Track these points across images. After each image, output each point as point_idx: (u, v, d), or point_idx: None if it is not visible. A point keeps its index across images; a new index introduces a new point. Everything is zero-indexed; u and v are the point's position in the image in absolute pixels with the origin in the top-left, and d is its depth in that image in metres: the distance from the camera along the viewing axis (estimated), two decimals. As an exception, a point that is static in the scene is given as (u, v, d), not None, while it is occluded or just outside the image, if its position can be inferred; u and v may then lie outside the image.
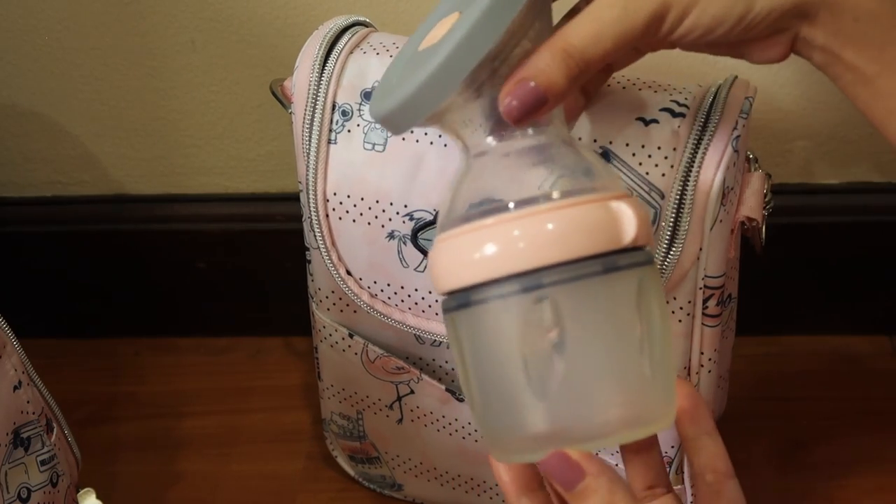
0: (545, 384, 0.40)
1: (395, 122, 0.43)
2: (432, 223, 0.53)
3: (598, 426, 0.41)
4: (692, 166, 0.49)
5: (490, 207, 0.41)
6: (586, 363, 0.41)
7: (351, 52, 0.55)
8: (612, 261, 0.40)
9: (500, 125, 0.42)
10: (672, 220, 0.50)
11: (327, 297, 0.60)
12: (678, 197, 0.49)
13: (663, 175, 0.50)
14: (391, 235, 0.54)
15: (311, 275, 0.60)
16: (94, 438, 0.73)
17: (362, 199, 0.54)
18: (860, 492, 0.68)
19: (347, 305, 0.59)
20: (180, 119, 0.76)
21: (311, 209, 0.55)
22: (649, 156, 0.50)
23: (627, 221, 0.40)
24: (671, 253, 0.50)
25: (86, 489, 0.61)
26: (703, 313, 0.53)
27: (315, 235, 0.56)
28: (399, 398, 0.62)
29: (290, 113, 0.56)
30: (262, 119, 0.75)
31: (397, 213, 0.53)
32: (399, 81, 0.44)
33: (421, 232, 0.53)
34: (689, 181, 0.49)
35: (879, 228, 0.75)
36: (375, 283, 0.56)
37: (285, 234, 0.74)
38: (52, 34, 0.73)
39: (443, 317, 0.43)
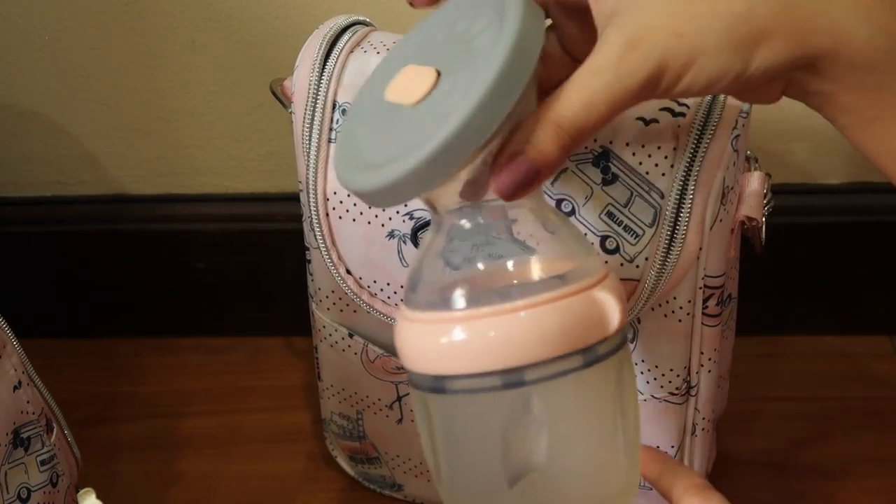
0: (519, 475, 0.40)
1: (383, 199, 0.40)
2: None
3: None
4: (692, 166, 0.49)
5: (468, 286, 0.40)
6: (564, 456, 0.41)
7: (351, 52, 0.55)
8: (594, 352, 0.39)
9: (476, 191, 0.41)
10: (672, 219, 0.50)
11: (327, 297, 0.60)
12: (678, 196, 0.49)
13: (663, 175, 0.50)
14: (391, 234, 0.54)
15: (311, 274, 0.60)
16: (94, 438, 0.73)
17: (362, 198, 0.54)
18: (860, 492, 0.68)
19: (347, 305, 0.59)
20: (180, 119, 0.76)
21: (312, 208, 0.55)
22: (649, 155, 0.50)
23: (611, 311, 0.40)
24: (671, 253, 0.50)
25: (86, 489, 0.61)
26: (703, 313, 0.53)
27: (315, 235, 0.56)
28: (399, 398, 0.62)
29: (291, 112, 0.56)
30: (262, 119, 0.75)
31: (397, 212, 0.53)
32: (379, 141, 0.41)
33: (421, 231, 0.53)
34: (688, 180, 0.49)
35: (879, 228, 0.75)
36: (375, 282, 0.56)
37: (285, 234, 0.74)
38: (52, 34, 0.73)
39: (409, 387, 0.42)
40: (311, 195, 0.55)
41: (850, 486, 0.69)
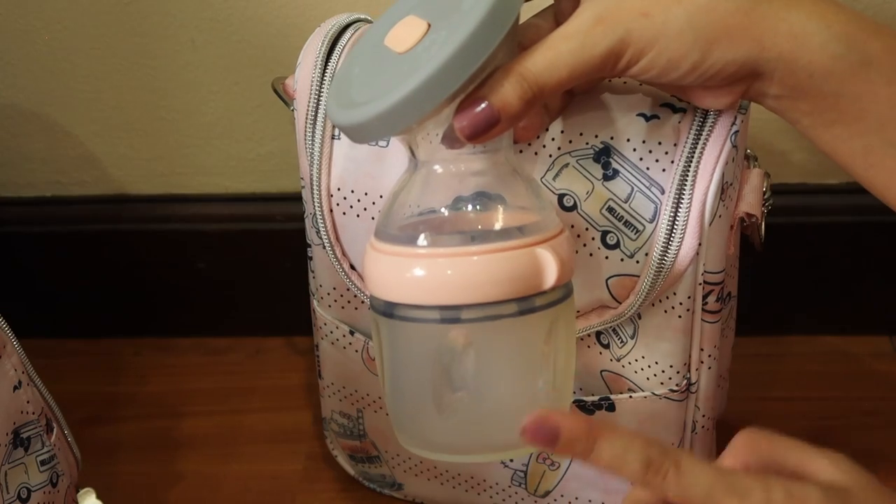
0: (447, 404, 0.45)
1: (358, 135, 0.44)
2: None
3: (489, 445, 0.45)
4: (691, 161, 0.49)
5: (428, 227, 0.44)
6: (488, 391, 0.45)
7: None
8: (530, 303, 0.43)
9: (452, 138, 0.44)
10: (671, 215, 0.50)
11: (329, 294, 0.60)
12: (677, 192, 0.49)
13: (664, 170, 0.50)
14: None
15: (313, 271, 0.60)
16: (94, 438, 0.73)
17: (366, 193, 0.54)
18: (860, 491, 0.68)
19: (349, 302, 0.59)
20: (180, 119, 0.76)
21: (316, 204, 0.55)
22: (650, 151, 0.50)
23: (549, 269, 0.43)
24: (670, 248, 0.50)
25: (86, 489, 0.61)
26: (703, 309, 0.53)
27: (319, 231, 0.56)
28: (399, 397, 0.62)
29: (293, 110, 0.56)
30: (262, 119, 0.75)
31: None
32: (366, 82, 0.44)
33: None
34: (688, 176, 0.49)
35: (879, 228, 0.75)
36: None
37: (285, 233, 0.75)
38: (52, 34, 0.73)
39: (369, 308, 0.46)
40: (314, 191, 0.55)
41: (851, 485, 0.69)
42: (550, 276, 0.43)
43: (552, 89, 0.42)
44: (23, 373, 0.55)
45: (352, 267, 0.56)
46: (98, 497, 0.63)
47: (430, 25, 0.43)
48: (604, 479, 0.61)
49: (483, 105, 0.42)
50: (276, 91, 0.57)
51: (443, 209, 0.45)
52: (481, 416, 0.45)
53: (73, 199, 0.80)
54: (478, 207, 0.45)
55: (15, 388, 0.54)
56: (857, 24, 0.42)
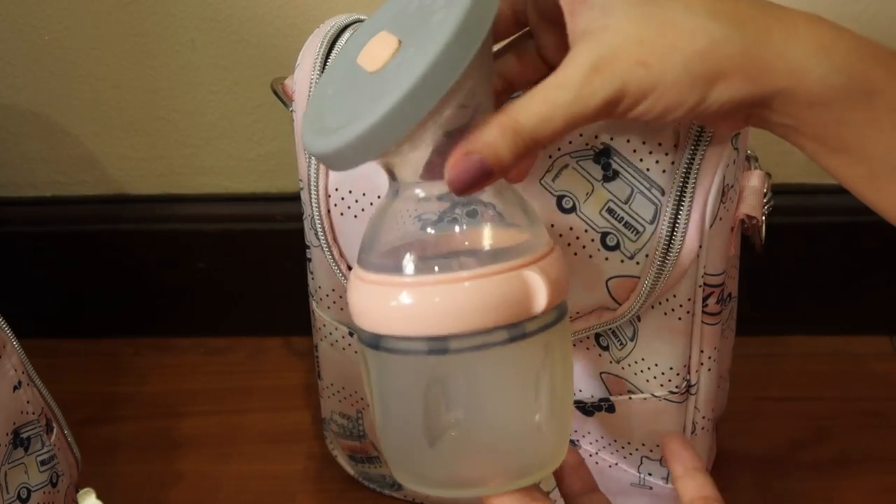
0: (438, 436, 0.43)
1: (332, 163, 0.42)
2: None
3: (483, 478, 0.43)
4: (692, 163, 0.49)
5: (412, 251, 0.42)
6: (482, 422, 0.43)
7: (351, 50, 0.55)
8: (520, 329, 0.41)
9: (434, 173, 0.42)
10: (672, 216, 0.50)
11: (327, 296, 0.60)
12: (678, 194, 0.49)
13: (664, 171, 0.50)
14: (392, 231, 0.54)
15: (312, 273, 0.60)
16: (94, 438, 0.73)
17: (364, 194, 0.54)
18: (860, 492, 0.68)
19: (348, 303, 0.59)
20: (180, 119, 0.76)
21: (314, 206, 0.55)
22: (650, 152, 0.50)
23: (538, 293, 0.41)
24: (671, 250, 0.50)
25: (86, 489, 0.61)
26: (703, 311, 0.53)
27: (316, 232, 0.56)
28: (399, 397, 0.62)
29: (292, 111, 0.56)
30: (262, 119, 0.75)
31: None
32: (339, 105, 0.42)
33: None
34: (689, 178, 0.49)
35: (879, 228, 0.75)
36: (376, 279, 0.56)
37: (285, 234, 0.75)
38: (52, 34, 0.73)
39: (358, 340, 0.44)
40: (312, 192, 0.55)
41: (850, 486, 0.69)
42: (541, 301, 0.41)
43: (548, 141, 0.40)
44: (23, 373, 0.55)
45: (350, 268, 0.56)
46: (98, 497, 0.63)
47: (400, 42, 0.41)
48: (604, 479, 0.61)
49: (475, 159, 0.40)
50: (274, 92, 0.57)
51: (428, 229, 0.43)
52: (476, 449, 0.43)
53: (73, 199, 0.80)
54: (464, 227, 0.43)
55: (15, 388, 0.54)
56: (857, 52, 0.41)
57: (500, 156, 0.40)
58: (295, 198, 0.59)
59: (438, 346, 0.41)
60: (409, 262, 0.42)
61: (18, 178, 0.80)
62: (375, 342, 0.43)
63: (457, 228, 0.43)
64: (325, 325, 0.61)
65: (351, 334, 0.60)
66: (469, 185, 0.40)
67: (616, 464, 0.60)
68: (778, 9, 0.41)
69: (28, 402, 0.55)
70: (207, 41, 0.72)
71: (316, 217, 0.55)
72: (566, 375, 0.45)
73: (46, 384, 0.57)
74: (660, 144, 0.49)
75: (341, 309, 0.60)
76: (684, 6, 0.40)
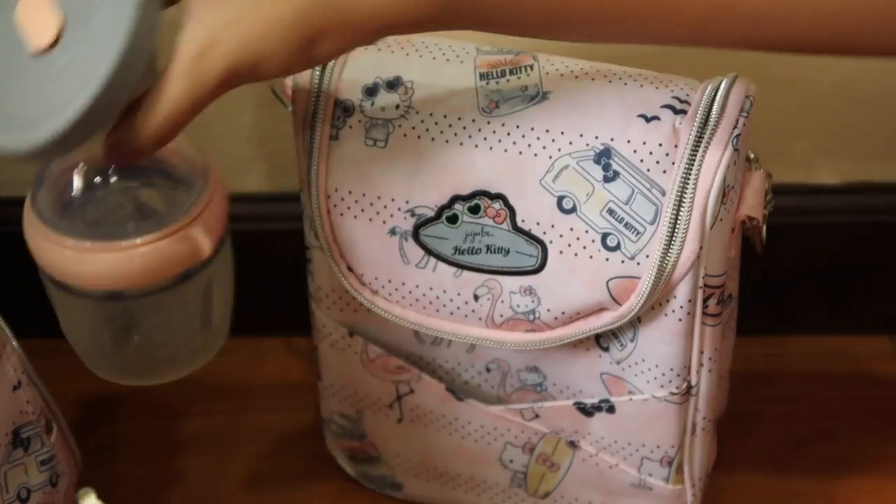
0: (123, 346, 0.54)
1: (51, 152, 0.44)
2: (434, 219, 0.53)
3: (163, 374, 0.55)
4: (693, 164, 0.49)
5: (88, 225, 0.49)
6: (154, 337, 0.53)
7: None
8: (185, 274, 0.50)
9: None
10: (672, 217, 0.50)
11: (327, 297, 0.60)
12: (678, 195, 0.49)
13: (664, 172, 0.50)
14: (392, 231, 0.54)
15: (311, 274, 0.60)
16: (94, 438, 0.73)
17: (364, 195, 0.54)
18: (860, 492, 0.68)
19: (347, 304, 0.59)
20: (180, 119, 0.75)
21: (314, 206, 0.55)
22: (650, 152, 0.50)
23: (203, 246, 0.49)
24: (671, 251, 0.50)
25: (86, 489, 0.61)
26: (704, 312, 0.53)
27: (316, 233, 0.56)
28: (399, 397, 0.62)
29: (291, 111, 0.56)
30: (262, 119, 0.75)
31: (399, 208, 0.53)
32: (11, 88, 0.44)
33: (422, 228, 0.53)
34: (689, 179, 0.49)
35: (879, 228, 0.75)
36: (377, 279, 0.56)
37: (285, 234, 0.74)
38: (52, 34, 0.72)
39: (41, 274, 0.51)
40: (312, 192, 0.55)
41: (850, 486, 0.69)
42: (205, 252, 0.49)
43: (181, 125, 0.44)
44: (23, 373, 0.55)
45: (349, 269, 0.56)
46: (98, 497, 0.63)
47: (64, 23, 0.43)
48: (604, 480, 0.61)
49: (123, 148, 0.44)
50: (274, 92, 0.57)
51: (104, 204, 0.50)
52: (153, 354, 0.54)
53: (73, 198, 0.79)
54: (130, 204, 0.51)
55: (15, 388, 0.54)
56: None
57: (143, 146, 0.43)
58: (295, 198, 0.59)
59: (115, 295, 0.50)
60: (89, 229, 0.48)
61: (18, 178, 0.79)
62: (61, 286, 0.50)
63: (124, 203, 0.50)
64: (325, 326, 0.61)
65: (351, 335, 0.60)
66: (123, 165, 0.47)
67: (616, 464, 0.60)
68: None
69: (28, 402, 0.55)
70: (207, 41, 0.72)
71: (316, 217, 0.55)
72: (226, 293, 0.56)
73: (46, 384, 0.57)
74: (660, 145, 0.49)
75: (341, 310, 0.60)
76: None
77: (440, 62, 0.54)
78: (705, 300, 0.53)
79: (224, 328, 0.57)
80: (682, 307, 0.53)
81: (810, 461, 0.70)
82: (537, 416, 0.60)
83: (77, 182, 0.50)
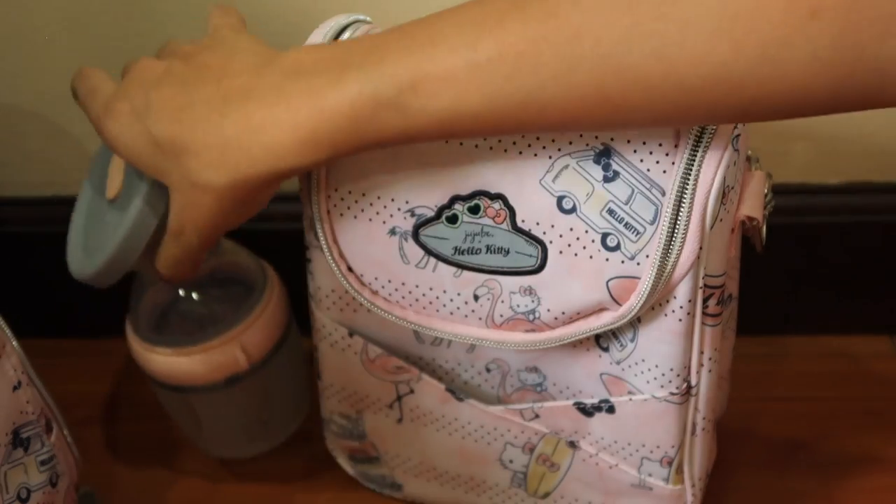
0: (192, 434, 0.72)
1: (102, 281, 0.55)
2: (434, 219, 0.53)
3: (230, 447, 0.74)
4: (693, 164, 0.49)
5: (166, 336, 0.64)
6: (213, 430, 0.70)
7: (351, 50, 0.55)
8: (235, 378, 0.64)
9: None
10: (672, 217, 0.50)
11: (327, 297, 0.60)
12: (678, 195, 0.49)
13: (664, 172, 0.50)
14: (392, 231, 0.54)
15: (311, 274, 0.60)
16: (94, 438, 0.73)
17: (364, 195, 0.54)
18: (860, 492, 0.68)
19: (347, 304, 0.59)
20: (180, 119, 0.75)
21: (313, 206, 0.55)
22: (650, 152, 0.50)
23: (240, 359, 0.63)
24: (671, 251, 0.50)
25: (86, 489, 0.61)
26: (704, 312, 0.53)
27: (316, 233, 0.56)
28: (399, 398, 0.62)
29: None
30: (262, 119, 0.75)
31: (398, 208, 0.53)
32: (89, 229, 0.58)
33: (422, 228, 0.53)
34: (689, 179, 0.49)
35: (879, 228, 0.75)
36: (377, 279, 0.56)
37: (285, 234, 0.74)
38: (51, 34, 0.73)
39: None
40: (312, 192, 0.55)
41: (850, 486, 0.69)
42: (242, 364, 0.63)
43: (192, 269, 0.54)
44: (23, 373, 0.55)
45: (349, 269, 0.56)
46: (98, 497, 0.63)
47: (122, 186, 0.55)
48: (604, 480, 0.61)
49: (165, 277, 0.55)
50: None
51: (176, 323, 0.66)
52: (217, 439, 0.71)
53: (73, 199, 0.79)
54: (199, 307, 0.65)
55: (14, 388, 0.54)
56: (315, 138, 0.47)
57: (174, 277, 0.54)
58: (295, 198, 0.59)
59: (178, 388, 0.65)
60: (166, 339, 0.63)
61: (18, 178, 0.79)
62: (157, 384, 0.66)
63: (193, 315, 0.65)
64: (324, 326, 0.61)
65: (351, 335, 0.60)
66: (173, 283, 0.59)
67: (616, 465, 0.60)
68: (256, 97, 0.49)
69: (28, 402, 0.55)
70: (207, 41, 0.72)
71: (316, 217, 0.55)
72: (287, 385, 0.70)
73: (46, 384, 0.57)
74: (660, 145, 0.49)
75: (341, 310, 0.60)
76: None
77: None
78: (705, 300, 0.53)
79: (288, 421, 0.72)
80: (682, 307, 0.53)
81: (810, 461, 0.71)
82: (537, 416, 0.60)
83: (159, 298, 0.66)
